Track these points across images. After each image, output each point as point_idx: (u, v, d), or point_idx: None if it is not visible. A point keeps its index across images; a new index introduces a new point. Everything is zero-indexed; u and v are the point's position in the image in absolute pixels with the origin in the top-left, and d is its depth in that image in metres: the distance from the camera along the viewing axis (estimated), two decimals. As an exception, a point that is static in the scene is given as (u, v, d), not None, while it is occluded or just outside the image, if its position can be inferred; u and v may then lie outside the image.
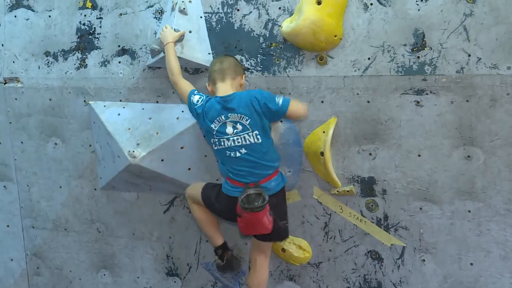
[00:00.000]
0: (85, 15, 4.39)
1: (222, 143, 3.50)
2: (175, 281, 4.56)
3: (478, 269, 3.71)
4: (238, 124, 3.45)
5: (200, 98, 3.60)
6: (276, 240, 3.81)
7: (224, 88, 3.58)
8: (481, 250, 3.68)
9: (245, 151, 3.47)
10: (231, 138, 3.47)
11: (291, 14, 3.85)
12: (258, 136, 3.45)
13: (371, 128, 3.76)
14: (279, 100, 3.45)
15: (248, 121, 3.44)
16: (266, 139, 3.50)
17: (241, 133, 3.45)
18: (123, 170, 4.09)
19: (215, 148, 3.56)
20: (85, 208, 4.67)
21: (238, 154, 3.48)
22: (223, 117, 3.48)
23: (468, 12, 3.47)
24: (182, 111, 4.07)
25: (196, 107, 3.58)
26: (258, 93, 3.48)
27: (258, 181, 3.48)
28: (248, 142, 3.46)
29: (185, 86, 3.70)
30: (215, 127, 3.50)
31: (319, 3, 3.66)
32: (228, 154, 3.50)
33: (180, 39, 3.82)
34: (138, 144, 4.03)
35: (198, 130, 3.97)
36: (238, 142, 3.47)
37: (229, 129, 3.47)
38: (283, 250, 4.06)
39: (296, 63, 3.87)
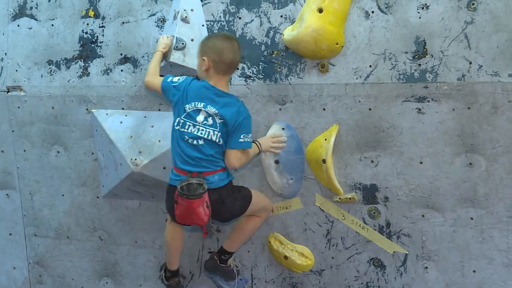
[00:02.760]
0: (87, 24, 4.42)
1: (186, 127, 3.50)
2: (177, 289, 4.55)
3: (481, 276, 3.70)
4: (211, 118, 3.47)
5: (181, 77, 3.62)
6: (228, 221, 3.89)
7: (220, 83, 3.57)
8: (483, 257, 3.67)
9: (202, 143, 3.48)
10: (197, 126, 3.48)
11: (292, 22, 3.86)
12: (221, 139, 3.49)
13: (373, 136, 3.76)
14: (243, 140, 3.51)
15: (221, 121, 3.47)
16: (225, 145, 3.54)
17: (208, 127, 3.47)
18: (125, 178, 4.10)
19: (176, 127, 3.54)
20: (87, 216, 4.68)
21: (195, 142, 3.48)
22: (201, 105, 3.48)
23: (469, 20, 3.48)
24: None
25: (177, 84, 3.57)
26: (242, 117, 3.50)
27: (201, 172, 3.50)
28: (209, 138, 3.48)
29: (158, 78, 3.71)
30: (189, 108, 3.50)
31: (320, 11, 3.67)
32: (186, 138, 3.50)
33: (181, 47, 3.83)
34: (140, 152, 4.04)
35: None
36: (201, 134, 3.48)
37: (200, 118, 3.49)
38: (286, 257, 4.06)
39: (297, 70, 3.88)
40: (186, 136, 3.50)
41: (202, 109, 3.48)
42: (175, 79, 3.63)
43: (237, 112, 3.50)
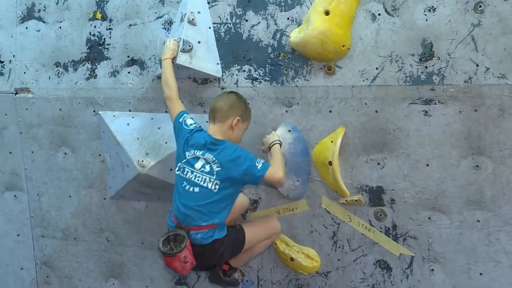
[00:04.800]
0: (95, 26, 4.44)
1: (185, 173, 3.56)
2: (184, 290, 4.58)
3: (487, 279, 3.69)
4: (208, 165, 3.51)
5: (194, 123, 3.68)
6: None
7: (214, 129, 3.63)
8: (490, 260, 3.66)
9: (198, 190, 3.51)
10: (195, 173, 3.53)
11: (299, 24, 3.87)
12: (216, 186, 3.49)
13: (379, 138, 3.76)
14: (259, 164, 3.49)
15: (218, 169, 3.49)
16: (225, 193, 3.51)
17: (205, 174, 3.50)
18: (132, 179, 4.12)
19: (177, 172, 3.61)
20: (94, 217, 4.70)
21: (191, 189, 3.53)
22: (199, 153, 3.54)
23: (476, 22, 3.47)
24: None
25: (187, 129, 3.64)
26: (239, 158, 3.48)
27: (187, 226, 3.52)
28: (205, 185, 3.50)
29: (180, 105, 3.79)
30: (188, 155, 3.57)
31: (327, 13, 3.67)
32: (184, 184, 3.55)
33: (188, 50, 3.84)
34: (147, 153, 4.05)
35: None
36: (197, 180, 3.52)
37: (198, 165, 3.53)
38: (292, 259, 4.06)
39: (304, 73, 3.89)
40: (184, 182, 3.55)
41: (200, 156, 3.54)
42: (190, 121, 3.68)
43: (233, 152, 3.50)
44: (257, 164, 3.47)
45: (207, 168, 3.50)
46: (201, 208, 3.49)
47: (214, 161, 3.49)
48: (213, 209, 3.51)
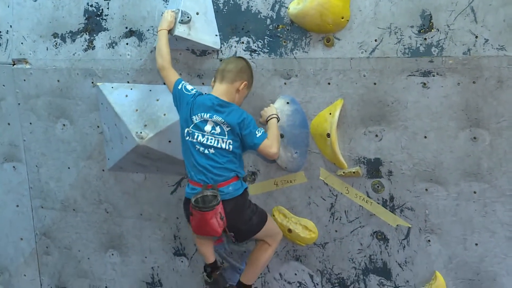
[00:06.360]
0: (92, -3, 4.41)
1: (196, 137, 3.59)
2: (182, 261, 4.61)
3: (483, 249, 3.73)
4: (218, 127, 3.56)
5: (193, 88, 3.73)
6: (245, 240, 3.93)
7: (220, 89, 3.67)
8: (486, 231, 3.70)
9: (213, 151, 3.56)
10: (206, 136, 3.57)
11: (298, -5, 3.85)
12: (230, 145, 3.56)
13: (377, 110, 3.77)
14: (259, 133, 3.58)
15: (228, 129, 3.56)
16: (239, 151, 3.62)
17: (217, 136, 3.56)
18: (130, 151, 4.13)
19: (187, 138, 3.63)
20: (93, 188, 4.72)
21: (206, 152, 3.57)
22: (207, 115, 3.58)
23: (476, -6, 3.46)
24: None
25: (189, 94, 3.68)
26: (244, 122, 3.56)
27: (216, 183, 3.56)
28: (219, 145, 3.56)
29: (175, 73, 3.82)
30: (196, 119, 3.60)
31: (326, -16, 3.65)
32: (197, 148, 3.58)
33: (187, 21, 3.82)
34: (145, 125, 4.06)
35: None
36: (210, 142, 3.56)
37: (208, 127, 3.58)
38: (290, 230, 4.09)
39: (303, 45, 3.88)
40: (197, 146, 3.58)
41: (209, 119, 3.57)
42: (189, 87, 3.73)
43: (241, 116, 3.58)
44: (257, 132, 3.57)
45: (218, 129, 3.56)
46: (223, 165, 3.56)
47: (223, 122, 3.55)
48: (233, 164, 3.61)
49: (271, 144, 3.58)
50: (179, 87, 3.72)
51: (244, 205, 3.69)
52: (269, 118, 3.78)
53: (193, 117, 3.61)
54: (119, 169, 4.52)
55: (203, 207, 3.47)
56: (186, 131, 3.63)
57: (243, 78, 3.69)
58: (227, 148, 3.56)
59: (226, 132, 3.56)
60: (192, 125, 3.61)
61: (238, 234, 3.75)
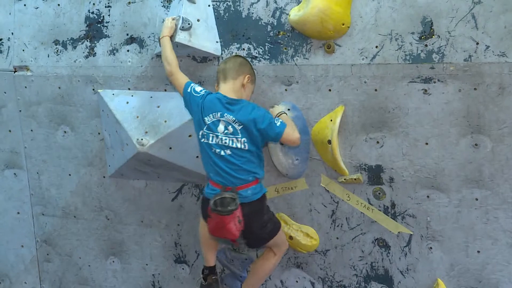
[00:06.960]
0: (93, 4, 4.41)
1: (210, 139, 3.57)
2: (183, 268, 4.60)
3: (485, 256, 3.72)
4: (230, 126, 3.54)
5: (202, 89, 3.69)
6: (256, 247, 3.95)
7: (226, 88, 3.65)
8: (488, 238, 3.68)
9: (230, 153, 3.54)
10: (220, 136, 3.54)
11: (299, 2, 3.85)
12: (246, 144, 3.53)
13: (378, 116, 3.76)
14: (278, 122, 3.58)
15: (241, 127, 3.52)
16: (255, 149, 3.57)
17: (231, 136, 3.53)
18: (131, 158, 4.12)
19: (202, 140, 3.61)
20: (94, 195, 4.72)
21: (222, 153, 3.54)
22: (218, 114, 3.55)
23: (477, 0, 3.45)
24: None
25: (198, 95, 3.65)
26: (259, 117, 3.54)
27: (235, 186, 3.53)
28: (234, 145, 3.53)
29: (183, 76, 3.79)
30: (208, 120, 3.57)
31: (327, -9, 3.65)
32: (213, 150, 3.56)
33: (187, 28, 3.83)
34: (146, 132, 4.05)
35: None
36: (225, 143, 3.54)
37: (221, 127, 3.55)
38: (291, 237, 4.08)
39: (303, 51, 3.88)
40: (212, 148, 3.56)
41: (220, 119, 3.55)
42: (198, 88, 3.70)
43: (252, 111, 3.55)
44: (276, 122, 3.56)
45: (230, 129, 3.53)
46: (241, 166, 3.53)
47: (235, 121, 3.52)
48: (251, 164, 3.57)
49: (293, 131, 3.61)
50: (188, 90, 3.70)
51: (261, 210, 3.68)
52: (278, 115, 3.78)
53: (205, 118, 3.58)
54: (120, 176, 4.52)
55: (222, 210, 3.44)
56: (200, 133, 3.61)
57: (245, 71, 3.69)
58: (242, 147, 3.53)
59: (239, 131, 3.52)
60: (205, 127, 3.58)
61: (252, 239, 3.73)
